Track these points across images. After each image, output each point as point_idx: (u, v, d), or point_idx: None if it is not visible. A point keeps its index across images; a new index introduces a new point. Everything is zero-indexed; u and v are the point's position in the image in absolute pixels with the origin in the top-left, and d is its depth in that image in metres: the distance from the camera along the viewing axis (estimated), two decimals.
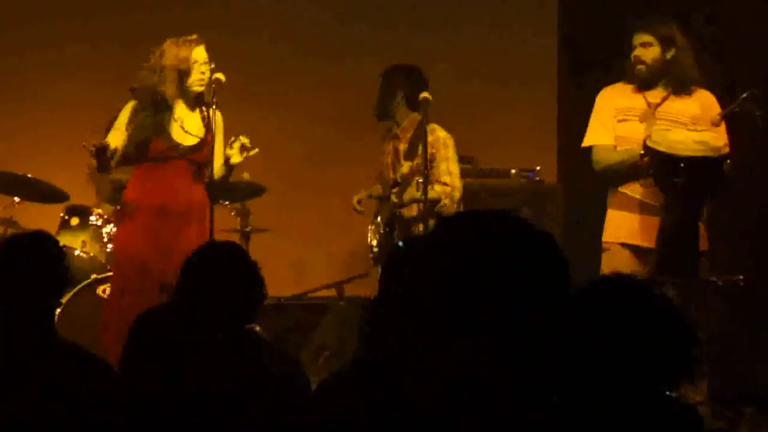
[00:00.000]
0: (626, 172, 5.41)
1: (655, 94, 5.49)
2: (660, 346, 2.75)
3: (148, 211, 5.40)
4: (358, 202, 6.18)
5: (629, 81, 5.53)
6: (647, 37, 5.43)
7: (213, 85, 5.38)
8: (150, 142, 5.38)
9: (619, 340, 2.74)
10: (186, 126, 5.41)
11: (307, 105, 7.76)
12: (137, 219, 5.42)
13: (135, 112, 5.40)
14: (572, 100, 7.04)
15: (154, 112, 5.37)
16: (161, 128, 5.37)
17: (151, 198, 5.41)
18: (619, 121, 5.50)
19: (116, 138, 5.37)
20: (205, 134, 5.45)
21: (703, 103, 5.48)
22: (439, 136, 5.83)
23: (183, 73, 5.37)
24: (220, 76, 5.41)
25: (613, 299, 2.80)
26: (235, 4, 7.83)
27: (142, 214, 5.41)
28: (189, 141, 5.43)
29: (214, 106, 5.39)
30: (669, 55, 5.44)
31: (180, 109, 5.45)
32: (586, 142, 5.57)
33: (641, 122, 5.44)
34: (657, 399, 2.78)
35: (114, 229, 6.05)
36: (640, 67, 5.46)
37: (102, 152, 5.12)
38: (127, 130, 5.38)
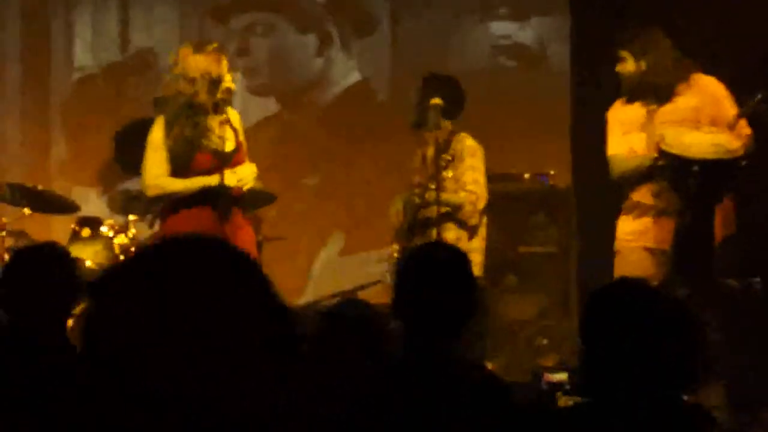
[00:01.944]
0: (641, 175, 5.43)
1: (649, 103, 5.53)
2: (672, 349, 2.74)
3: (195, 223, 5.25)
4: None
5: (622, 95, 5.61)
6: (622, 52, 5.55)
7: (226, 95, 5.35)
8: (194, 154, 5.28)
9: (631, 344, 2.73)
10: (219, 132, 5.34)
11: (316, 110, 7.76)
12: (188, 227, 5.25)
13: (169, 126, 5.31)
14: (586, 105, 7.02)
15: (193, 123, 5.28)
16: (203, 137, 5.27)
17: (201, 211, 5.28)
18: (624, 133, 5.54)
19: (159, 158, 5.28)
20: (236, 137, 5.42)
21: (700, 90, 5.49)
22: (467, 144, 5.82)
23: (214, 82, 5.33)
24: (231, 85, 5.41)
25: (626, 303, 2.79)
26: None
27: (190, 226, 5.24)
28: (227, 147, 5.34)
29: (226, 111, 5.34)
30: (643, 65, 5.48)
31: (211, 119, 5.37)
32: (608, 152, 5.63)
33: (642, 132, 5.47)
34: (672, 403, 2.77)
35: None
36: (622, 81, 5.57)
37: None
38: (165, 146, 5.29)
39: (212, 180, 5.27)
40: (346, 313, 3.51)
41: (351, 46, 7.82)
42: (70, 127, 7.73)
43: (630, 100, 5.56)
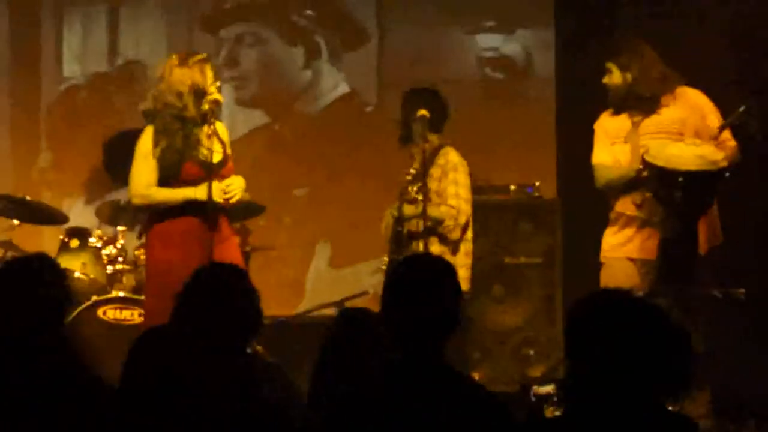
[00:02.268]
0: (626, 186, 5.47)
1: (635, 113, 5.57)
2: (655, 358, 2.76)
3: (182, 233, 5.31)
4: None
5: (609, 106, 5.65)
6: (609, 65, 5.58)
7: (212, 106, 5.35)
8: (182, 164, 5.32)
9: (615, 354, 2.75)
10: (207, 144, 5.33)
11: (305, 121, 7.79)
12: (171, 241, 5.33)
13: (158, 137, 5.33)
14: (571, 116, 7.07)
15: (183, 134, 5.32)
16: (192, 148, 5.31)
17: (182, 220, 5.33)
18: (610, 144, 5.59)
19: (147, 167, 5.31)
20: (224, 149, 5.44)
21: (685, 103, 5.54)
22: (450, 159, 5.81)
23: (200, 93, 5.35)
24: (218, 96, 5.43)
25: (609, 313, 2.82)
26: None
27: (174, 236, 5.32)
28: (214, 158, 5.33)
29: (214, 123, 5.33)
30: (629, 77, 5.52)
31: (199, 130, 5.39)
32: (593, 161, 5.66)
33: (626, 143, 5.51)
34: (656, 412, 2.79)
35: (140, 252, 6.16)
36: (609, 92, 5.59)
37: None
38: (153, 156, 5.32)
39: (198, 191, 5.29)
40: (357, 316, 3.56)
41: (339, 57, 7.86)
42: (59, 137, 7.74)
43: (616, 112, 5.60)
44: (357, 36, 7.83)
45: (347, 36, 7.85)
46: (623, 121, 5.59)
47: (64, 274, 3.70)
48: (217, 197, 5.29)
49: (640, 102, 5.54)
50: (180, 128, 5.33)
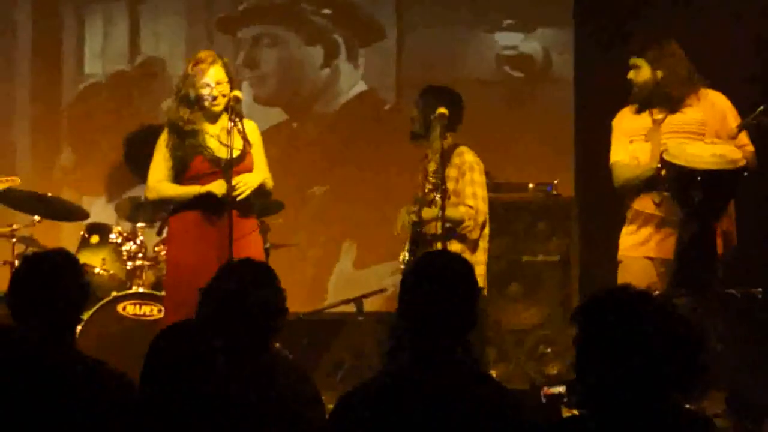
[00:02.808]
0: (644, 185, 5.46)
1: (657, 111, 5.55)
2: (671, 357, 2.76)
3: (198, 227, 5.40)
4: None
5: (632, 103, 5.61)
6: (637, 60, 5.55)
7: (231, 103, 5.39)
8: (188, 162, 5.41)
9: (630, 352, 2.75)
10: (224, 140, 5.38)
11: (323, 120, 7.82)
12: (187, 236, 5.42)
13: (168, 139, 5.46)
14: (589, 115, 7.07)
15: (185, 137, 5.41)
16: (195, 149, 5.41)
17: (199, 214, 5.40)
18: (629, 142, 5.56)
19: (160, 163, 5.45)
20: (244, 145, 5.47)
21: (707, 105, 5.53)
22: (466, 159, 5.78)
23: (199, 96, 5.41)
24: (237, 93, 5.46)
25: (624, 311, 2.82)
26: None
27: (193, 230, 5.41)
28: (227, 154, 5.36)
29: (238, 120, 5.37)
30: (659, 74, 5.50)
31: (214, 126, 5.46)
32: (611, 159, 5.65)
33: (647, 141, 5.49)
34: (673, 411, 2.79)
35: (160, 248, 6.25)
36: (633, 89, 5.56)
37: None
38: (166, 152, 5.45)
39: (211, 187, 5.34)
40: None
41: (357, 56, 7.88)
42: (79, 135, 7.78)
43: (640, 110, 5.58)
44: (375, 34, 7.84)
45: (365, 35, 7.87)
46: (644, 119, 5.57)
47: (82, 270, 3.72)
48: (219, 191, 5.32)
49: (666, 100, 5.51)
50: (188, 125, 5.41)
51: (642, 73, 5.54)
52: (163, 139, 5.48)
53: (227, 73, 5.45)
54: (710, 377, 2.86)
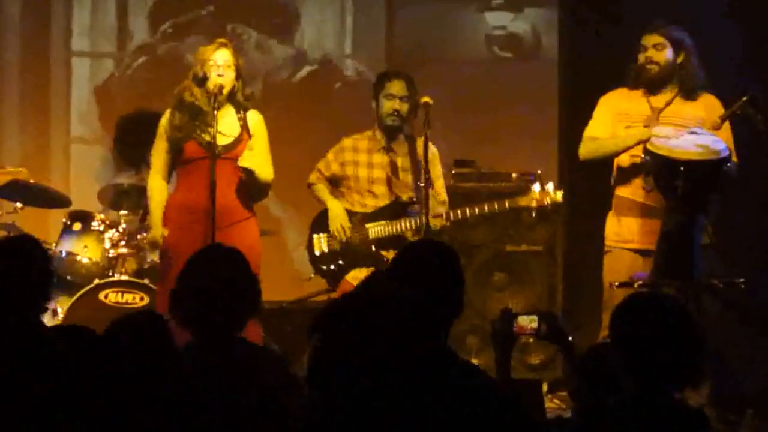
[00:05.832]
0: (607, 153, 5.45)
1: (660, 99, 5.53)
2: (671, 349, 2.77)
3: (188, 212, 5.43)
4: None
5: (633, 85, 5.56)
6: (660, 39, 5.48)
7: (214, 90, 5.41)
8: (183, 144, 5.46)
9: (631, 344, 2.76)
10: (221, 126, 5.42)
11: (306, 105, 7.78)
12: (179, 220, 5.46)
13: (171, 118, 5.50)
14: (574, 103, 7.05)
15: (189, 117, 5.45)
16: (192, 130, 5.44)
17: (189, 199, 5.45)
18: (626, 127, 5.53)
19: (160, 151, 5.54)
20: (240, 133, 5.48)
21: (707, 105, 5.52)
22: (432, 150, 5.72)
23: (204, 77, 5.43)
24: (218, 81, 5.46)
25: (626, 305, 2.84)
26: None
27: (183, 215, 5.45)
28: (224, 141, 5.44)
29: (243, 110, 5.50)
30: (679, 59, 5.47)
31: (209, 112, 5.45)
32: (587, 132, 5.60)
33: (645, 127, 5.46)
34: (667, 401, 2.81)
35: (143, 237, 6.30)
36: (651, 66, 5.49)
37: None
38: (166, 135, 5.51)
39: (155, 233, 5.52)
40: None
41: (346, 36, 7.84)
42: (67, 120, 7.74)
43: (651, 89, 5.49)
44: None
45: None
46: (640, 104, 5.52)
47: (47, 257, 3.75)
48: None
49: (684, 85, 5.46)
50: (185, 111, 5.45)
51: (664, 53, 5.48)
52: (163, 124, 5.53)
53: (234, 57, 5.49)
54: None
